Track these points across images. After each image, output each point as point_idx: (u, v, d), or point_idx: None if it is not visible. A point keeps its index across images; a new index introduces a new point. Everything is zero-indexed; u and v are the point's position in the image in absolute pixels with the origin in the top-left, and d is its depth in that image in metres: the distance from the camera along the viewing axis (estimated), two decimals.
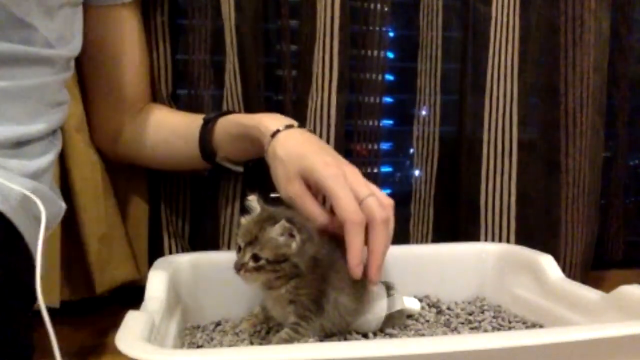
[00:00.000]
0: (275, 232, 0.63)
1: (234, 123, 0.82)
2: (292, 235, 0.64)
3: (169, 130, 0.88)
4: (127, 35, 0.87)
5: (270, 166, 0.73)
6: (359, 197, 0.65)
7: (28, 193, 0.59)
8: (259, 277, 0.65)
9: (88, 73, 0.87)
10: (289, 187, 0.69)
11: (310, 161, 0.68)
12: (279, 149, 0.72)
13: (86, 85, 0.88)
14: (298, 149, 0.71)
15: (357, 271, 0.64)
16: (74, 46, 0.75)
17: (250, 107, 0.92)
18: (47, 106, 0.71)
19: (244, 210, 0.68)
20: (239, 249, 0.65)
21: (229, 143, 0.83)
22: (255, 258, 0.64)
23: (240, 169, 0.86)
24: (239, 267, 0.64)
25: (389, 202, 0.68)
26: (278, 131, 0.74)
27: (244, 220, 0.67)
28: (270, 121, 0.76)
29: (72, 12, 0.74)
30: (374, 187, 0.69)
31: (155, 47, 0.92)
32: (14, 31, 0.64)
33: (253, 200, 0.67)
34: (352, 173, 0.68)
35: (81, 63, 0.86)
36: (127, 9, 0.86)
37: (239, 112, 0.91)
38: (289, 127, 0.75)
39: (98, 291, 0.86)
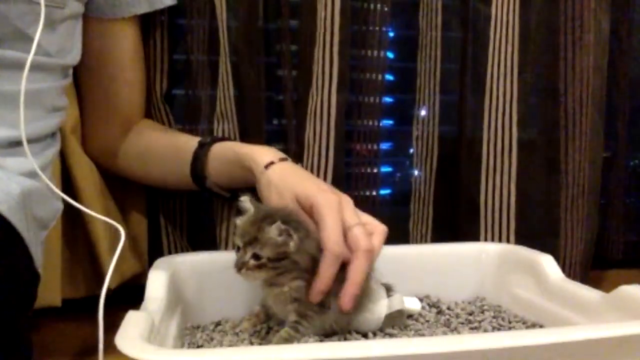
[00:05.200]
0: (273, 232, 0.64)
1: (229, 150, 0.82)
2: (289, 235, 0.64)
3: (163, 149, 0.88)
4: (127, 49, 0.87)
5: (263, 196, 0.73)
6: (346, 225, 0.66)
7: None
8: (260, 275, 0.65)
9: (85, 85, 0.87)
10: None
11: (306, 186, 0.69)
12: (274, 178, 0.73)
13: (82, 96, 0.87)
14: (294, 177, 0.73)
15: (316, 296, 0.64)
16: (73, 56, 0.75)
17: (245, 108, 0.92)
18: (44, 111, 0.71)
19: (238, 211, 0.69)
20: (238, 249, 0.66)
21: (222, 168, 0.82)
22: (256, 257, 0.64)
23: (227, 194, 0.86)
24: (240, 266, 0.65)
25: (381, 230, 0.69)
26: (272, 163, 0.74)
27: (239, 220, 0.68)
28: (264, 153, 0.76)
29: (73, 25, 0.75)
30: (366, 217, 0.70)
31: (152, 46, 0.92)
32: (14, 43, 0.64)
33: (246, 200, 0.68)
34: (346, 202, 0.68)
35: (79, 75, 0.86)
36: (128, 24, 0.85)
37: (231, 113, 0.90)
38: (283, 160, 0.76)
39: (111, 286, 0.86)
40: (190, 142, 0.85)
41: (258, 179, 0.75)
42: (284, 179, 0.72)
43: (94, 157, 0.88)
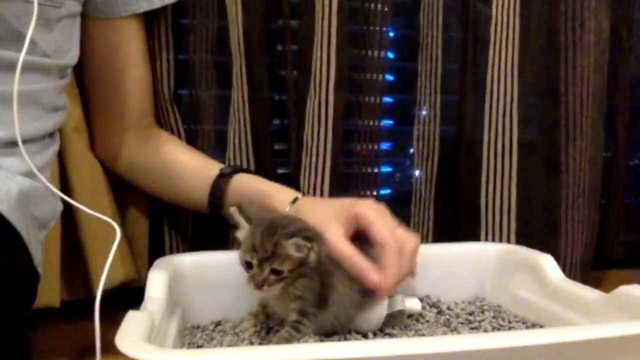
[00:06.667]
0: (291, 248, 0.63)
1: (248, 186, 0.83)
2: (308, 248, 0.64)
3: (179, 170, 0.87)
4: (130, 48, 0.86)
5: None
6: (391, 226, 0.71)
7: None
8: (280, 286, 0.64)
9: (90, 84, 0.87)
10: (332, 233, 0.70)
11: (342, 201, 0.74)
12: (305, 207, 0.76)
13: (88, 96, 0.87)
14: (323, 202, 0.82)
15: (389, 291, 0.68)
16: (71, 56, 0.75)
17: (255, 108, 0.92)
18: (43, 110, 0.71)
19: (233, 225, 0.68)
20: (248, 265, 0.64)
21: (240, 202, 0.81)
22: (276, 272, 0.63)
23: None
24: (261, 284, 0.63)
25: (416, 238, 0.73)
26: (297, 199, 0.78)
27: (240, 234, 0.67)
28: (286, 192, 0.81)
29: (70, 24, 0.75)
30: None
31: (157, 47, 0.91)
32: (12, 43, 0.64)
33: (235, 212, 0.68)
34: (383, 207, 0.73)
35: (84, 74, 0.86)
36: (130, 23, 0.85)
37: (243, 113, 0.91)
38: (303, 196, 0.80)
39: (95, 291, 0.86)
40: (211, 169, 0.85)
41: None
42: (316, 204, 0.77)
43: (101, 158, 0.88)
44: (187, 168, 0.88)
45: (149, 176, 0.89)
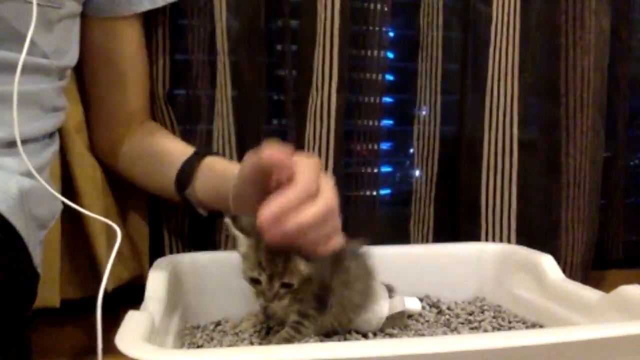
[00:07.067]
0: (302, 266, 0.63)
1: (219, 163, 0.81)
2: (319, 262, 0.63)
3: (156, 152, 0.86)
4: (130, 48, 0.86)
5: (242, 183, 0.70)
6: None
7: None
8: (290, 296, 0.64)
9: (90, 84, 0.87)
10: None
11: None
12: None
13: (87, 95, 0.88)
14: None
15: (266, 215, 0.56)
16: (71, 57, 0.75)
17: (245, 108, 0.92)
18: (43, 111, 0.71)
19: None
20: (256, 281, 0.64)
21: (208, 181, 0.80)
22: (286, 285, 0.63)
23: (203, 212, 0.84)
24: (272, 298, 0.63)
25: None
26: None
27: (243, 249, 0.65)
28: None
29: (70, 25, 0.75)
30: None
31: (154, 46, 0.92)
32: (12, 44, 0.64)
33: (229, 225, 0.65)
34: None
35: (84, 74, 0.86)
36: (130, 22, 0.85)
37: (227, 111, 0.91)
38: None
39: (107, 287, 0.86)
40: (186, 150, 0.84)
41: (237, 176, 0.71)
42: None
43: (100, 157, 0.88)
44: (167, 150, 0.85)
45: (135, 164, 0.88)
